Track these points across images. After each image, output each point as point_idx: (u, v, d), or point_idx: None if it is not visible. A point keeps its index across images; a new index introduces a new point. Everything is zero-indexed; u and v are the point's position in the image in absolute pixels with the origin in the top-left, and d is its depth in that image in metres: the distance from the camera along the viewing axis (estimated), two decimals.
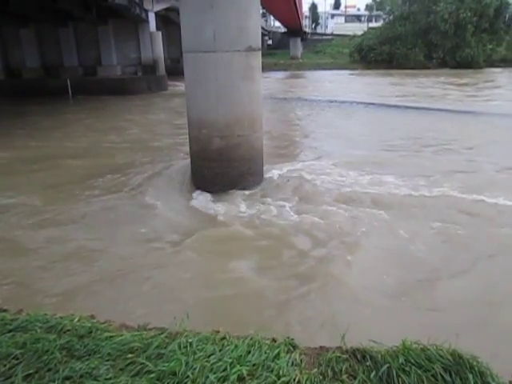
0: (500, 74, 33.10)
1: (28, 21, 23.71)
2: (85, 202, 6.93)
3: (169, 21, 31.64)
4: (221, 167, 6.99)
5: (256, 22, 6.76)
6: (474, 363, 2.22)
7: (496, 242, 5.30)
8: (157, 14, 25.52)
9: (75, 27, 24.98)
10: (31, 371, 2.28)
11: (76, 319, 2.86)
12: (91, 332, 2.67)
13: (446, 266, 4.74)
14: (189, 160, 7.64)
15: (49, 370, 2.30)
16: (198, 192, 7.12)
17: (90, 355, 2.41)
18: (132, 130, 13.70)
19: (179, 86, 22.89)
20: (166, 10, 27.32)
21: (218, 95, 6.64)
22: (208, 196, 6.94)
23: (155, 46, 25.04)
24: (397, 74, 33.92)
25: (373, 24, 58.00)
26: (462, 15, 38.25)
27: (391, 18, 45.01)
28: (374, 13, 64.03)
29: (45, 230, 5.87)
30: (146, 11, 23.72)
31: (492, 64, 38.78)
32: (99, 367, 2.28)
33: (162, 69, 25.55)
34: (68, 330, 2.69)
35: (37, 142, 12.16)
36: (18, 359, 2.37)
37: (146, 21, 24.13)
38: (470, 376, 2.14)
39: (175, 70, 26.40)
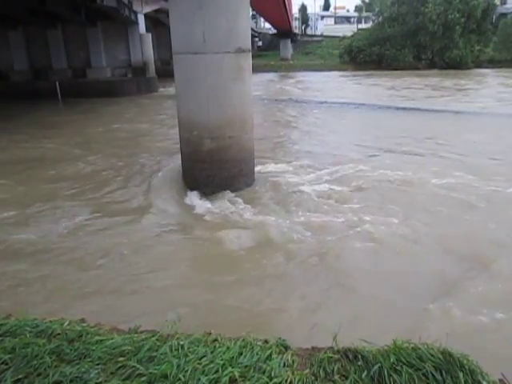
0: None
1: (16, 23, 23.47)
2: None
3: (159, 22, 31.54)
4: (212, 169, 6.98)
5: (246, 24, 6.77)
6: (465, 362, 2.23)
7: None
8: (146, 15, 25.43)
9: (64, 29, 24.78)
10: (21, 376, 2.24)
11: (66, 323, 2.82)
12: (81, 336, 2.63)
13: None
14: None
15: (38, 374, 2.26)
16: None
17: (80, 359, 2.38)
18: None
19: (169, 88, 22.78)
20: (156, 11, 27.21)
21: (208, 96, 6.63)
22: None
23: (145, 48, 24.95)
24: (387, 75, 34.08)
25: (362, 25, 58.34)
26: (450, 16, 38.59)
27: (380, 19, 45.22)
28: (364, 14, 64.41)
29: None
30: (136, 13, 23.63)
31: (480, 65, 39.11)
32: (90, 371, 2.25)
33: (152, 71, 25.46)
34: (58, 334, 2.65)
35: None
36: (6, 364, 2.33)
37: (136, 22, 24.04)
38: (461, 374, 2.14)
39: (165, 72, 26.16)
